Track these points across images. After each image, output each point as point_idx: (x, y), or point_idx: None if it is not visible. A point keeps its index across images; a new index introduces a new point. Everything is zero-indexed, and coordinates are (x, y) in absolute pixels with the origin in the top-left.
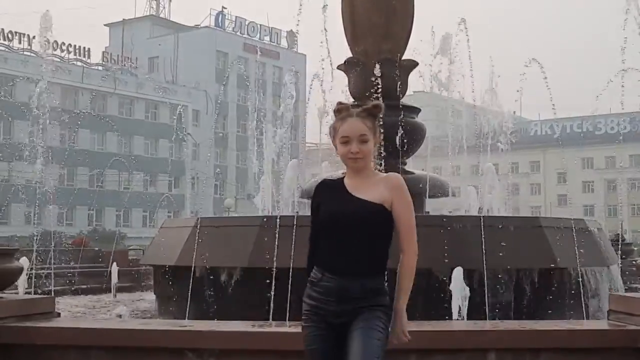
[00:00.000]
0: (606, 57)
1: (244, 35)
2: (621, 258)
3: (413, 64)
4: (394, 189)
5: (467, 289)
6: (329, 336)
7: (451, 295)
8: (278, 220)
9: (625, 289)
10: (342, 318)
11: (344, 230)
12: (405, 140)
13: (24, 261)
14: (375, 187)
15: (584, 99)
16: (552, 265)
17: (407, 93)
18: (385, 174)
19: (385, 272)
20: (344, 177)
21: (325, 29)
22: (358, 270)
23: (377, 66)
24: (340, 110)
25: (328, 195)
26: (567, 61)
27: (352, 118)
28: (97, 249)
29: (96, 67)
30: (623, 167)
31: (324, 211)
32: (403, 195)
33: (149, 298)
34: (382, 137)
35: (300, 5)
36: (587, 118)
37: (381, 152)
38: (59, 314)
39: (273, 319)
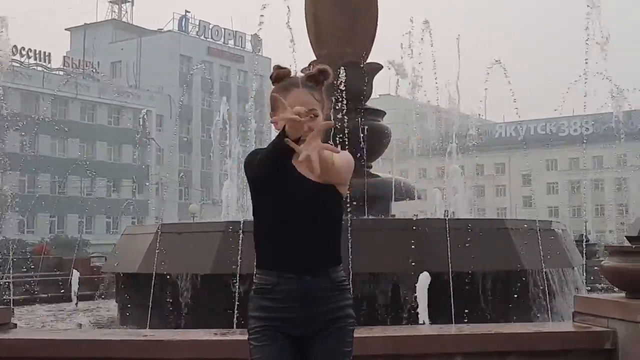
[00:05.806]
0: (569, 60)
1: (208, 39)
2: (586, 259)
3: (378, 67)
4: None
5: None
6: (290, 356)
7: (417, 299)
8: (242, 225)
9: (590, 290)
10: (307, 328)
11: (306, 219)
12: (370, 143)
13: None
14: None
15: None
16: (517, 267)
17: (373, 96)
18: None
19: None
20: None
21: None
22: (325, 262)
23: (342, 70)
24: (281, 77)
25: (274, 175)
26: (530, 64)
27: (298, 89)
28: (51, 256)
29: (57, 72)
30: (586, 168)
31: (277, 197)
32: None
33: (111, 307)
34: (346, 140)
35: (263, 8)
36: (550, 120)
37: None
38: (15, 325)
39: (237, 327)
